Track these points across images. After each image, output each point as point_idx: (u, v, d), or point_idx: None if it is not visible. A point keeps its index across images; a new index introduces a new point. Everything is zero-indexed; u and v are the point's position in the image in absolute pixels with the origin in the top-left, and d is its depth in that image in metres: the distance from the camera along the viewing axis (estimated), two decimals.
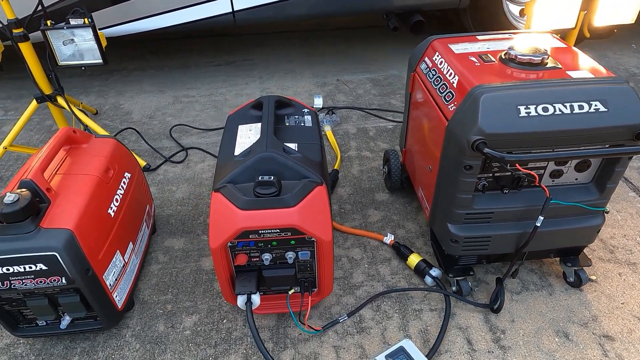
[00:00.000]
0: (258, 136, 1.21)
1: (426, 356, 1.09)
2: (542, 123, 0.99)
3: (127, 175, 1.32)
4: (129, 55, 2.96)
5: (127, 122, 2.21)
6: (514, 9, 2.47)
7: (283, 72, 2.66)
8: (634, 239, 1.44)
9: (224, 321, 1.24)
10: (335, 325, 1.21)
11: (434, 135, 1.20)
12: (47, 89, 1.77)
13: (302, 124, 1.28)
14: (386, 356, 1.07)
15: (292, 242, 1.05)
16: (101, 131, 1.79)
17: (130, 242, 1.27)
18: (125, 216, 1.24)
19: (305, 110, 1.35)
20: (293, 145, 1.15)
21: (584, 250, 1.29)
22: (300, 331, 1.20)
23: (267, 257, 1.07)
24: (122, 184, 1.27)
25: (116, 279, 1.16)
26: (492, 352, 1.14)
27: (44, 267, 0.99)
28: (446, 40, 1.29)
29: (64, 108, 1.80)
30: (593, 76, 1.06)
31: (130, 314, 1.27)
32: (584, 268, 1.27)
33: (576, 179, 1.14)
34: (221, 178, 1.07)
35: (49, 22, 1.58)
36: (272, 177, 1.00)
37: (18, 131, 1.79)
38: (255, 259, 1.08)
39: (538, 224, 1.10)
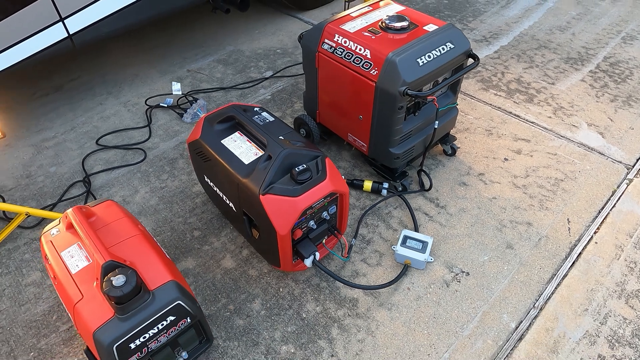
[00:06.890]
0: (247, 144, 1.47)
1: (414, 231, 1.68)
2: (430, 65, 1.58)
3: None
4: None
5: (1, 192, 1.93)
6: None
7: (129, 80, 2.59)
8: (469, 119, 2.29)
9: (280, 290, 1.56)
10: (351, 249, 1.68)
11: (362, 93, 1.66)
12: None
13: (267, 120, 1.56)
14: (400, 245, 1.61)
15: (326, 203, 1.43)
16: (56, 215, 1.66)
17: None
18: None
19: (257, 108, 1.62)
20: (282, 137, 1.46)
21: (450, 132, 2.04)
22: (335, 265, 1.63)
23: (312, 223, 1.42)
24: (140, 227, 1.36)
25: None
26: (439, 212, 1.81)
27: (172, 318, 1.13)
28: (335, 23, 1.72)
29: None
30: (438, 27, 1.68)
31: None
32: (454, 142, 2.03)
33: (442, 92, 1.81)
34: (257, 184, 1.33)
35: None
36: (305, 165, 1.33)
37: None
38: (304, 228, 1.42)
39: (436, 126, 1.74)
